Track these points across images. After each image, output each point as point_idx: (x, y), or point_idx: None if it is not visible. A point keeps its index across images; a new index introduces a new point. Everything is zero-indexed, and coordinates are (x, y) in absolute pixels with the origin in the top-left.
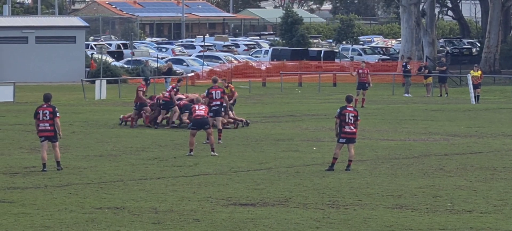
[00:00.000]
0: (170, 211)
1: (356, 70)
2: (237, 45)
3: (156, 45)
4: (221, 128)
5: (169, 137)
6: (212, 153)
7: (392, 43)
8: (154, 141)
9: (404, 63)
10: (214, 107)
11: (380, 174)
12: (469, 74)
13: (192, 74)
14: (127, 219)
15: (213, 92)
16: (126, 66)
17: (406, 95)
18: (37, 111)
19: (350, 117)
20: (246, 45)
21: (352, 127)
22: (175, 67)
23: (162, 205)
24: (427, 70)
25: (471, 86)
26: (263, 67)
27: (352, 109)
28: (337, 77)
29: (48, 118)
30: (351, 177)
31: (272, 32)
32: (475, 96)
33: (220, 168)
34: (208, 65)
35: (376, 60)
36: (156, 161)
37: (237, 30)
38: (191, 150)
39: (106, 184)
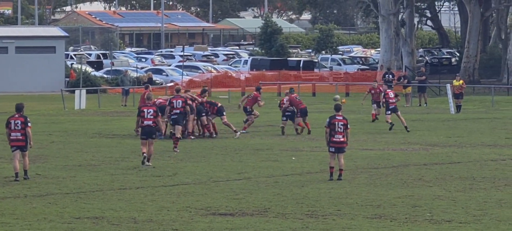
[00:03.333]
0: (149, 220)
1: (369, 90)
2: (217, 55)
3: (136, 55)
4: (179, 136)
5: None
6: (147, 162)
7: (371, 53)
8: (133, 150)
9: (385, 73)
10: (173, 116)
11: (359, 183)
12: (448, 84)
13: (172, 84)
14: (106, 229)
15: (174, 101)
16: (105, 76)
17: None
18: (8, 121)
19: (340, 126)
20: (225, 55)
21: (340, 136)
22: (155, 77)
23: (141, 215)
24: (406, 80)
25: (450, 96)
26: (242, 77)
27: (341, 118)
28: (316, 87)
29: (19, 127)
30: (330, 187)
31: (251, 42)
32: (456, 106)
33: (199, 177)
34: (187, 75)
35: (355, 70)
36: (135, 170)
37: (212, 44)
38: (144, 157)
39: (85, 194)
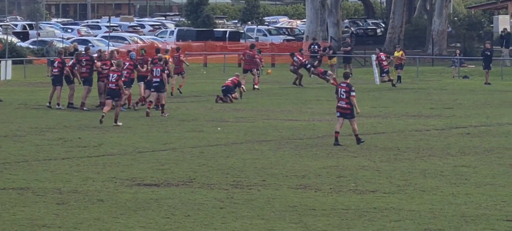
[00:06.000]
0: (74, 191)
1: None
2: (143, 26)
3: (62, 26)
4: (163, 103)
5: (74, 117)
6: (115, 123)
7: (297, 24)
8: (59, 121)
9: (310, 44)
10: (155, 84)
11: (284, 154)
12: (373, 55)
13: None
14: (31, 199)
15: (154, 69)
16: (31, 46)
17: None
18: None
19: (342, 93)
20: (151, 26)
21: (343, 102)
22: (81, 48)
23: (66, 186)
24: (331, 51)
25: (375, 66)
26: (168, 47)
27: (344, 85)
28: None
29: None
30: (255, 157)
31: (177, 13)
32: (397, 77)
33: (124, 148)
34: (113, 46)
35: (281, 41)
36: (60, 141)
37: (138, 15)
38: (102, 116)
39: (11, 165)
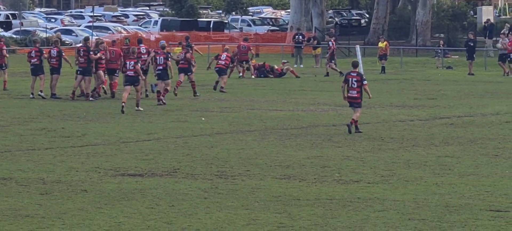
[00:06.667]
0: (58, 181)
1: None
2: (127, 16)
3: (45, 16)
4: (169, 89)
5: (57, 107)
6: (136, 108)
7: (281, 14)
8: (42, 111)
9: (295, 35)
10: (158, 71)
11: (268, 144)
12: (357, 46)
13: (81, 44)
14: (15, 189)
15: (158, 57)
16: (14, 36)
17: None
18: None
19: (353, 82)
20: (135, 15)
21: (354, 92)
22: (64, 38)
23: (49, 176)
24: (315, 41)
25: (359, 57)
26: (152, 38)
27: (355, 75)
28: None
29: None
30: (240, 148)
31: (161, 3)
32: (381, 67)
33: (108, 138)
34: (97, 36)
35: (265, 31)
36: (44, 131)
37: (122, 5)
38: (123, 105)
39: None
